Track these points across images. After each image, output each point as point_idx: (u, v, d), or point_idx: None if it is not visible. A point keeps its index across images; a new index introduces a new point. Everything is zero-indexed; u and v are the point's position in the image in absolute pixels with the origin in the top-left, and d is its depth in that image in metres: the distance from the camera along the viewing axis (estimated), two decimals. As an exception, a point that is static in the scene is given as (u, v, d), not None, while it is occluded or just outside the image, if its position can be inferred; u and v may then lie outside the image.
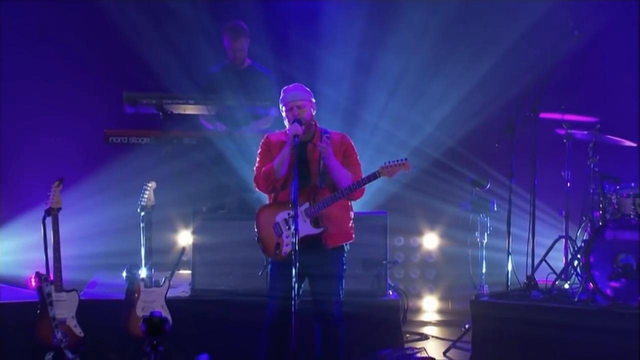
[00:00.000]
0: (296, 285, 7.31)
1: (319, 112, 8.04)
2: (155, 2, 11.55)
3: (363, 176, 7.81)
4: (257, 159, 7.98)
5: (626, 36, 11.04)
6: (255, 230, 7.84)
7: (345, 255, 7.89)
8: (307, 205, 7.68)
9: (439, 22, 11.54)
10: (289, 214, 7.62)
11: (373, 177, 7.77)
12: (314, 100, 7.97)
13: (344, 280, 7.88)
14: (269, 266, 7.91)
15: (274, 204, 7.87)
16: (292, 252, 7.30)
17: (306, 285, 7.79)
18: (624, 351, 8.66)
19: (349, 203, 7.92)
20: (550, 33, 10.57)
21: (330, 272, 7.77)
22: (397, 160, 7.75)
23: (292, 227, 7.44)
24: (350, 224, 7.90)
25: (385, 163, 7.78)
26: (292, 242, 7.36)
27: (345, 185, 7.72)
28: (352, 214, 7.95)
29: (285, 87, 8.01)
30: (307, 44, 11.61)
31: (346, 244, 7.89)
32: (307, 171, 7.78)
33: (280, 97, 7.98)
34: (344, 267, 7.89)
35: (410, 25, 11.58)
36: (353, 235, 7.94)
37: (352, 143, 8.01)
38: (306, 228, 7.64)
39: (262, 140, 8.06)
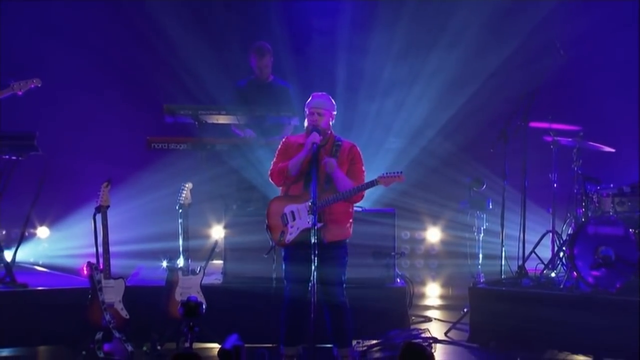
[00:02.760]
0: (315, 273, 7.38)
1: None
2: (190, 25, 11.57)
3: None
4: (275, 155, 8.04)
5: (607, 53, 11.01)
6: (265, 217, 7.90)
7: (345, 249, 7.91)
8: (310, 202, 7.70)
9: (440, 34, 11.54)
10: (298, 207, 7.69)
11: (371, 184, 7.83)
12: (334, 112, 8.02)
13: (345, 270, 7.89)
14: (283, 253, 7.95)
15: (285, 197, 7.91)
16: (298, 241, 7.45)
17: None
18: (604, 331, 8.66)
19: (350, 205, 7.94)
20: (539, 51, 10.59)
21: (331, 263, 7.75)
22: (394, 173, 7.83)
23: (300, 219, 7.59)
24: (348, 224, 7.90)
25: (383, 174, 7.84)
26: (297, 231, 7.48)
27: (341, 188, 7.76)
28: (352, 215, 7.96)
29: (314, 93, 8.06)
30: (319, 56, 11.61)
31: (343, 241, 7.89)
32: (316, 173, 7.82)
33: (308, 100, 8.03)
34: (345, 258, 7.89)
35: (411, 34, 11.57)
36: (350, 235, 7.94)
37: (360, 153, 8.04)
38: (308, 222, 7.67)
39: (282, 141, 8.12)
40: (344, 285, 7.90)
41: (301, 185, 7.82)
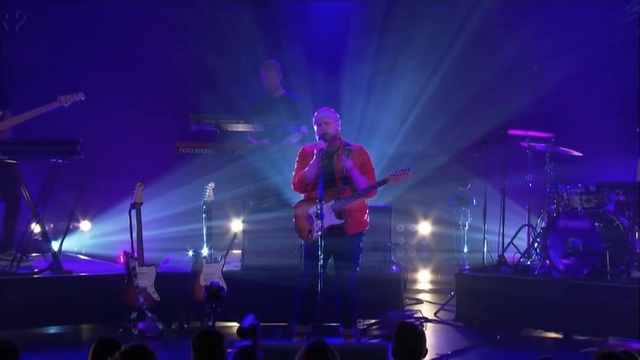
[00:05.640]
0: (323, 262, 7.45)
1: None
2: (212, 44, 11.60)
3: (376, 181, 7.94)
4: (295, 166, 8.09)
5: (578, 68, 10.99)
6: (293, 219, 7.97)
7: (362, 239, 7.99)
8: (332, 202, 7.78)
9: (433, 55, 11.52)
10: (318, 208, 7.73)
11: (383, 182, 7.89)
12: (339, 120, 8.07)
13: (360, 259, 7.99)
14: (304, 247, 8.02)
15: (308, 200, 7.96)
16: (319, 237, 7.46)
17: (331, 260, 7.89)
18: (572, 311, 8.75)
19: (365, 200, 8.01)
20: (517, 69, 10.62)
21: (350, 253, 7.88)
22: (402, 170, 7.89)
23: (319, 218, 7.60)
24: (365, 216, 7.98)
25: (392, 172, 7.89)
26: (319, 229, 7.51)
27: (361, 187, 7.82)
28: (367, 209, 8.03)
29: (319, 108, 8.15)
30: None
31: (362, 231, 7.97)
32: (333, 176, 7.87)
33: (314, 116, 8.09)
34: (361, 248, 7.99)
35: (408, 54, 11.54)
36: (368, 225, 8.02)
37: (369, 154, 8.11)
38: (332, 219, 7.74)
39: (299, 151, 8.17)
40: (357, 276, 7.98)
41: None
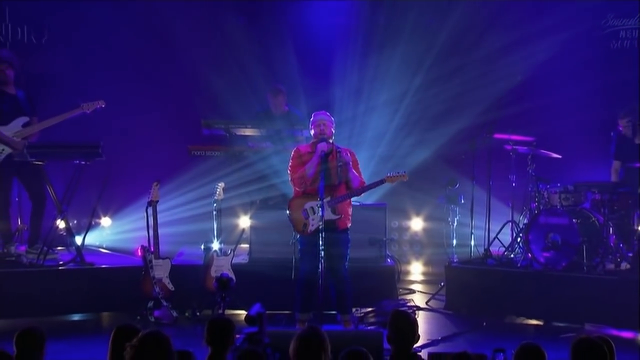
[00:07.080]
0: (324, 255, 7.52)
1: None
2: (222, 55, 11.63)
3: (365, 181, 8.01)
4: (290, 164, 8.13)
5: (559, 77, 11.03)
6: (288, 212, 8.03)
7: (349, 234, 8.05)
8: (328, 198, 7.82)
9: (422, 63, 11.53)
10: (316, 204, 7.78)
11: (380, 182, 7.97)
12: (334, 125, 8.15)
13: (349, 251, 8.05)
14: (299, 240, 8.08)
15: (304, 196, 8.00)
16: (316, 231, 7.59)
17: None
18: (552, 301, 8.81)
19: (350, 200, 8.09)
20: (501, 76, 10.65)
21: (341, 246, 7.94)
22: (398, 172, 7.95)
23: (318, 213, 7.66)
24: (350, 214, 8.05)
25: (389, 173, 7.96)
26: (317, 223, 7.62)
27: (355, 186, 7.88)
28: (351, 207, 8.11)
29: (315, 112, 8.21)
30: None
31: (349, 227, 8.03)
32: (329, 174, 7.92)
33: (312, 119, 8.15)
34: (349, 242, 8.06)
35: (399, 59, 11.52)
36: (350, 221, 8.08)
37: (356, 155, 8.19)
38: (328, 214, 7.79)
39: (294, 151, 8.23)
40: (347, 265, 8.04)
41: (317, 186, 7.91)
